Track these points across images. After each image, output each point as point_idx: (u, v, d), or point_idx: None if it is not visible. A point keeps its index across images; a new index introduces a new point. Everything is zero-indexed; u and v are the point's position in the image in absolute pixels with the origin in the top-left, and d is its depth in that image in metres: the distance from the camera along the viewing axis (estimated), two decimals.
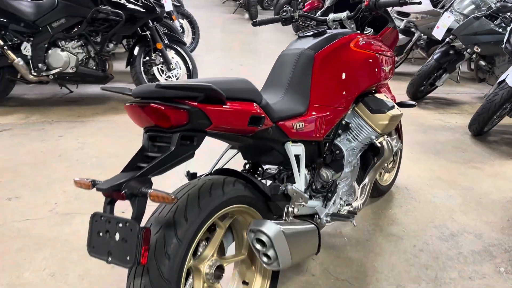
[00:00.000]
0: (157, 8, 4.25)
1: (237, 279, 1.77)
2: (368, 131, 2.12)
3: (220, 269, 1.55)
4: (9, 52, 3.97)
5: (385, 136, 2.22)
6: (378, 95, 2.19)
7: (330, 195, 2.01)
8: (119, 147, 3.49)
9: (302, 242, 1.66)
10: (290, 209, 1.70)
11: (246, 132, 1.50)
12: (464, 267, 2.19)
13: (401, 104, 2.48)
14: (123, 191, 1.20)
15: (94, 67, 4.28)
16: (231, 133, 1.48)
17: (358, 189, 2.23)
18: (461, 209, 2.80)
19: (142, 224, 1.26)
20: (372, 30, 2.31)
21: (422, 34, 6.13)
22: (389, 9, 5.02)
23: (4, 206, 2.57)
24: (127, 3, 4.12)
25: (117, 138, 3.66)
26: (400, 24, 5.97)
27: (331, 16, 2.27)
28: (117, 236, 1.20)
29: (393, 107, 2.17)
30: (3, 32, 3.98)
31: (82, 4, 4.05)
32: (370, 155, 2.25)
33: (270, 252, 1.54)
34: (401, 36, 5.86)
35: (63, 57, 4.11)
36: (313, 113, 1.85)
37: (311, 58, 1.89)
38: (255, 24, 2.25)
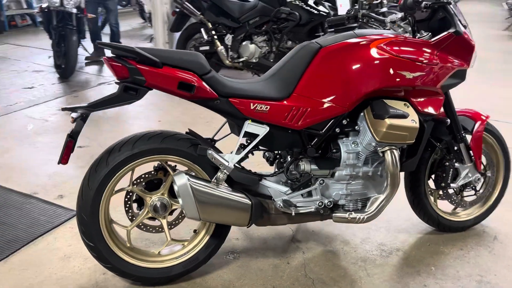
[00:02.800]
0: (331, 12, 4.54)
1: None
2: (369, 137, 1.98)
3: (163, 206, 1.95)
4: (217, 41, 5.05)
5: (394, 148, 2.00)
6: (389, 100, 2.00)
7: (299, 186, 2.02)
8: None
9: (218, 205, 1.86)
10: (219, 174, 1.89)
11: (182, 96, 1.82)
12: None
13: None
14: (72, 114, 1.76)
15: (272, 60, 4.94)
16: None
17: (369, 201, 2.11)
18: None
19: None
20: (430, 34, 2.08)
21: None
22: None
23: None
24: (306, 6, 4.58)
25: None
26: None
27: (389, 17, 2.18)
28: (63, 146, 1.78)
29: (402, 116, 1.95)
30: (216, 24, 5.09)
31: (273, 5, 4.76)
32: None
33: (180, 201, 1.83)
34: None
35: (251, 48, 4.93)
36: (292, 101, 1.93)
37: (314, 50, 1.96)
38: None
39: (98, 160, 1.84)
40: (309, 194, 2.06)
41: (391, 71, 1.94)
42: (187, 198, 1.81)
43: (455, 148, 2.27)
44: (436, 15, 2.10)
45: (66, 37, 5.28)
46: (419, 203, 2.37)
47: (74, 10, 5.34)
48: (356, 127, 2.05)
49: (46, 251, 2.24)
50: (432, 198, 2.40)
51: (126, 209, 1.99)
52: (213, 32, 5.04)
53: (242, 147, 1.98)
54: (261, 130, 1.93)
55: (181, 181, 1.81)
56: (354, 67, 1.95)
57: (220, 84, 1.86)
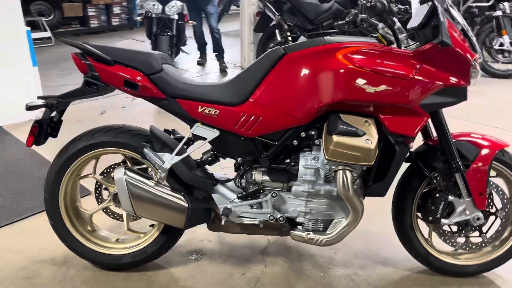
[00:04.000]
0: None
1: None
2: (323, 153, 1.81)
3: None
4: (290, 41, 5.00)
5: (348, 168, 1.78)
6: (348, 116, 1.78)
7: (245, 196, 1.93)
8: None
9: (152, 203, 1.90)
10: (155, 172, 1.91)
11: (129, 93, 1.89)
12: None
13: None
14: (29, 103, 1.97)
15: None
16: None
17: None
18: None
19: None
20: (417, 43, 1.80)
21: None
22: None
23: None
24: None
25: None
26: None
27: (380, 24, 1.96)
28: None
29: (353, 134, 1.72)
30: (293, 26, 5.04)
31: (345, 7, 4.54)
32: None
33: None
34: None
35: None
36: (245, 108, 1.86)
37: (278, 56, 1.86)
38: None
39: (63, 147, 2.02)
40: (260, 205, 1.96)
41: (350, 84, 1.74)
42: (122, 192, 1.88)
43: (452, 178, 1.93)
44: (429, 22, 1.82)
45: (160, 42, 5.29)
46: (404, 235, 2.07)
47: (176, 17, 5.39)
48: (317, 141, 1.88)
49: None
50: (421, 232, 2.07)
51: (96, 195, 2.14)
52: (288, 34, 5.01)
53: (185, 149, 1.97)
54: (210, 134, 1.90)
55: (118, 174, 1.89)
56: (312, 76, 1.79)
57: (169, 84, 1.88)
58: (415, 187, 2.01)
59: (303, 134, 1.88)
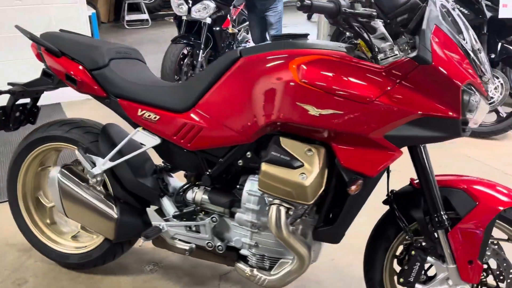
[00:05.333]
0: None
1: None
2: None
3: None
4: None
5: (285, 204, 1.43)
6: (290, 140, 1.42)
7: (180, 215, 1.70)
8: None
9: (82, 208, 1.78)
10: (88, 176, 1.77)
11: (72, 87, 1.77)
12: None
13: None
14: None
15: None
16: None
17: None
18: None
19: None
20: (396, 55, 1.38)
21: None
22: None
23: None
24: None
25: None
26: None
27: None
28: None
29: (285, 164, 1.37)
30: None
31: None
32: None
33: None
34: None
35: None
36: (188, 117, 1.62)
37: (231, 60, 1.58)
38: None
39: (26, 135, 1.98)
40: (198, 229, 1.71)
41: (291, 102, 1.39)
42: (54, 191, 1.78)
43: (433, 235, 1.47)
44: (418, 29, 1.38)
45: (168, 52, 4.13)
46: None
47: (208, 21, 4.22)
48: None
49: None
50: None
51: None
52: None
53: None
54: (150, 142, 1.69)
55: (52, 173, 1.79)
56: (260, 88, 1.47)
57: (111, 82, 1.71)
58: (389, 238, 1.58)
59: (248, 154, 1.57)
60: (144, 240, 1.68)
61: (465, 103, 1.30)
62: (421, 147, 1.44)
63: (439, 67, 1.27)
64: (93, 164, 1.73)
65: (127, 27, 8.19)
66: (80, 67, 1.72)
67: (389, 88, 1.32)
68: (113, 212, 1.74)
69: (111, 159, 1.72)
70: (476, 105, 1.33)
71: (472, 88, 1.31)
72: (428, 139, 1.36)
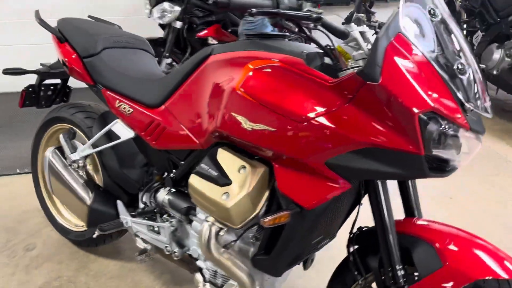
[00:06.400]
0: None
1: None
2: None
3: None
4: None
5: (218, 224, 1.27)
6: (229, 154, 1.24)
7: (140, 213, 1.64)
8: None
9: (63, 189, 1.85)
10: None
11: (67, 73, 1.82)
12: None
13: None
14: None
15: None
16: None
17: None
18: None
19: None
20: (359, 66, 1.12)
21: None
22: None
23: None
24: None
25: None
26: None
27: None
28: None
29: (211, 179, 1.20)
30: (472, 17, 3.90)
31: None
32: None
33: None
34: None
35: (496, 55, 3.55)
36: (157, 113, 1.56)
37: (202, 57, 1.47)
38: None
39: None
40: (158, 231, 1.64)
41: (227, 111, 1.23)
42: (46, 170, 1.86)
43: None
44: None
45: None
46: None
47: (178, 25, 3.25)
48: None
49: None
50: None
51: None
52: (464, 26, 3.93)
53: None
54: (125, 134, 1.67)
55: (46, 153, 1.87)
56: (213, 90, 1.33)
57: (98, 71, 1.72)
58: (346, 284, 1.33)
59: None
60: (99, 232, 1.68)
61: (427, 136, 1.00)
62: (379, 183, 1.16)
63: (388, 87, 0.99)
64: (74, 150, 1.77)
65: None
66: (74, 54, 1.75)
67: (334, 109, 1.08)
68: (88, 198, 1.77)
69: (92, 147, 1.74)
70: (447, 140, 1.01)
71: (438, 117, 1.00)
72: (382, 174, 1.08)
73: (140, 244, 1.69)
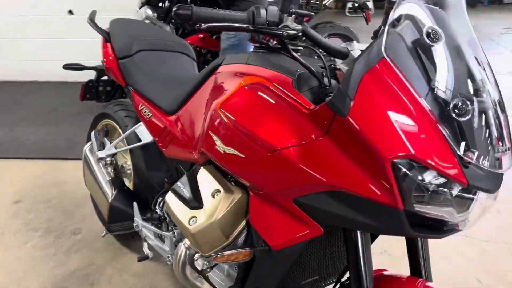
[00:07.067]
0: None
1: None
2: None
3: None
4: None
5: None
6: (206, 174, 1.14)
7: (148, 219, 1.63)
8: None
9: (91, 180, 1.93)
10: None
11: None
12: None
13: None
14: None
15: None
16: None
17: None
18: None
19: None
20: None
21: None
22: None
23: None
24: None
25: None
26: None
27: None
28: None
29: (183, 199, 1.13)
30: None
31: None
32: None
33: None
34: None
35: None
36: (170, 121, 1.54)
37: (213, 67, 1.42)
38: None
39: None
40: (162, 239, 1.62)
41: (207, 129, 1.14)
42: (82, 162, 1.95)
43: None
44: None
45: None
46: None
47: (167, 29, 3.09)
48: None
49: None
50: None
51: None
52: None
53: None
54: (146, 138, 1.68)
55: (85, 147, 1.95)
56: (209, 104, 1.27)
57: (130, 72, 1.74)
58: None
59: None
60: (106, 233, 1.70)
61: (405, 188, 0.81)
62: (357, 233, 0.98)
63: (357, 123, 0.82)
64: (103, 147, 1.83)
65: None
66: (112, 55, 1.80)
67: (305, 141, 0.93)
68: (110, 195, 1.81)
69: (116, 147, 1.78)
70: (438, 196, 0.81)
71: (420, 167, 0.80)
72: (356, 224, 0.92)
73: (145, 250, 1.68)
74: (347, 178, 0.87)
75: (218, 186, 1.13)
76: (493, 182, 0.84)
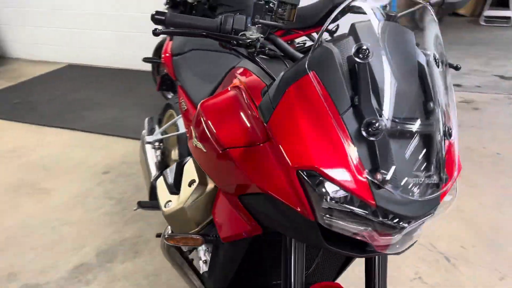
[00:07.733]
0: None
1: None
2: None
3: None
4: None
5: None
6: (191, 165, 1.23)
7: None
8: None
9: (144, 165, 2.11)
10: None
11: None
12: None
13: None
14: None
15: None
16: None
17: None
18: None
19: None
20: None
21: None
22: None
23: None
24: None
25: None
26: None
27: None
28: None
29: (167, 185, 1.22)
30: None
31: None
32: None
33: None
34: None
35: None
36: (193, 114, 1.69)
37: (232, 67, 1.53)
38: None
39: None
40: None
41: (192, 124, 1.24)
42: (140, 143, 2.19)
43: None
44: None
45: None
46: None
47: None
48: None
49: None
50: None
51: None
52: None
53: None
54: (182, 129, 1.84)
55: (143, 131, 2.18)
56: None
57: (179, 69, 1.91)
58: None
59: None
60: (138, 207, 1.89)
61: (313, 199, 0.83)
62: (292, 240, 0.99)
63: (273, 131, 0.87)
64: (151, 133, 2.04)
65: (483, 23, 7.26)
66: (168, 52, 2.00)
67: (250, 144, 0.99)
68: (152, 176, 2.01)
69: (162, 134, 1.98)
70: (340, 210, 0.81)
71: (325, 180, 0.80)
72: (283, 229, 0.94)
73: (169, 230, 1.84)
74: (272, 183, 0.89)
75: (195, 177, 1.23)
76: (411, 208, 0.80)
